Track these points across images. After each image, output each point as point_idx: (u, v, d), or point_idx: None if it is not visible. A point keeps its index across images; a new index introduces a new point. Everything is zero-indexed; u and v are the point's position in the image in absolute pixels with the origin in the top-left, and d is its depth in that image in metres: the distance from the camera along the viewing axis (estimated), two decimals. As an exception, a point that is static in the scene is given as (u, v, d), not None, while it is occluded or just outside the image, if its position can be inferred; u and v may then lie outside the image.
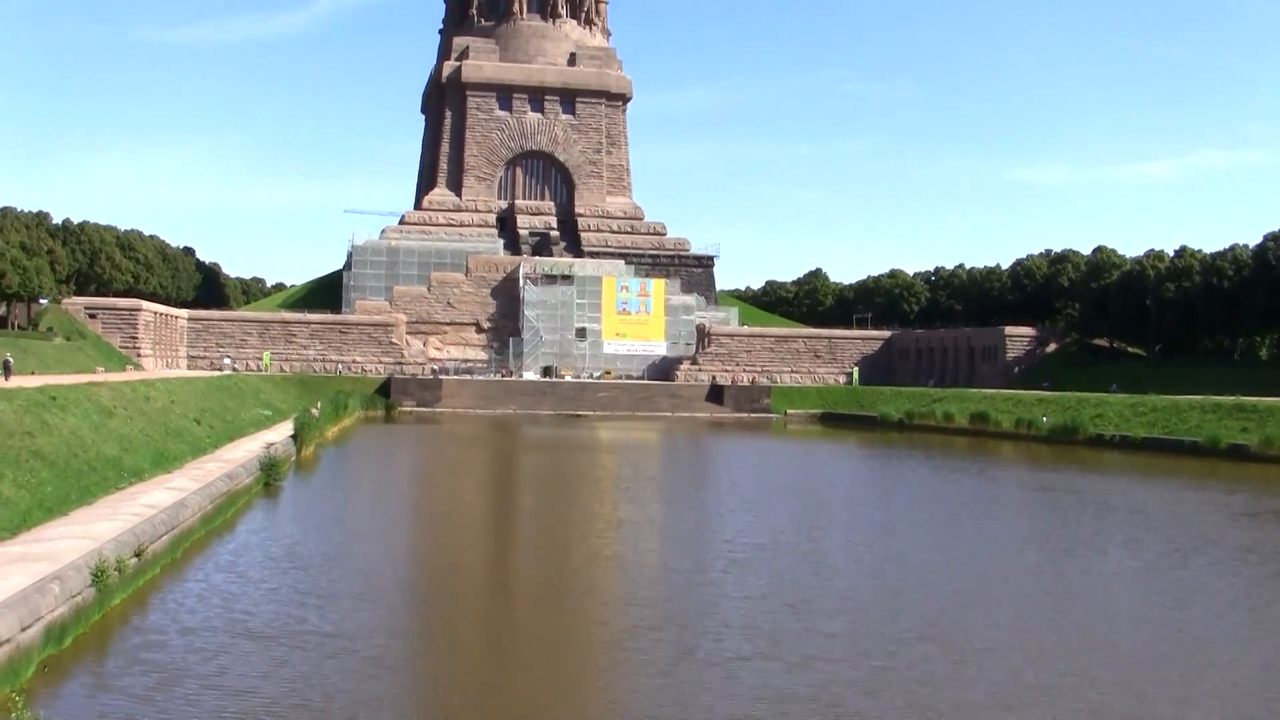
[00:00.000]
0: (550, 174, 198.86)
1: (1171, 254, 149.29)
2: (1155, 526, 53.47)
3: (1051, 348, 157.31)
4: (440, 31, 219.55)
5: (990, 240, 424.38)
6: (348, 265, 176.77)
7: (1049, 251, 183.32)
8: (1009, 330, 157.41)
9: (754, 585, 37.72)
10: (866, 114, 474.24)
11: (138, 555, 35.56)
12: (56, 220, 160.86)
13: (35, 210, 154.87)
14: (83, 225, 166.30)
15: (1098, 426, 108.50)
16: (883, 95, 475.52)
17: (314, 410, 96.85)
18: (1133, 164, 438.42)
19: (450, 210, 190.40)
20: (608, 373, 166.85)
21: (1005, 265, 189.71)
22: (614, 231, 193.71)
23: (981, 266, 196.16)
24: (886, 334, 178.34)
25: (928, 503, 62.71)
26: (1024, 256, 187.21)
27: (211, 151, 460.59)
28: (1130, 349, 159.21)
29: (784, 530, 50.62)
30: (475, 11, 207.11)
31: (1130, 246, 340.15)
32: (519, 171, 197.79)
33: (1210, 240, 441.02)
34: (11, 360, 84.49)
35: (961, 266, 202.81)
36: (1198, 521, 55.48)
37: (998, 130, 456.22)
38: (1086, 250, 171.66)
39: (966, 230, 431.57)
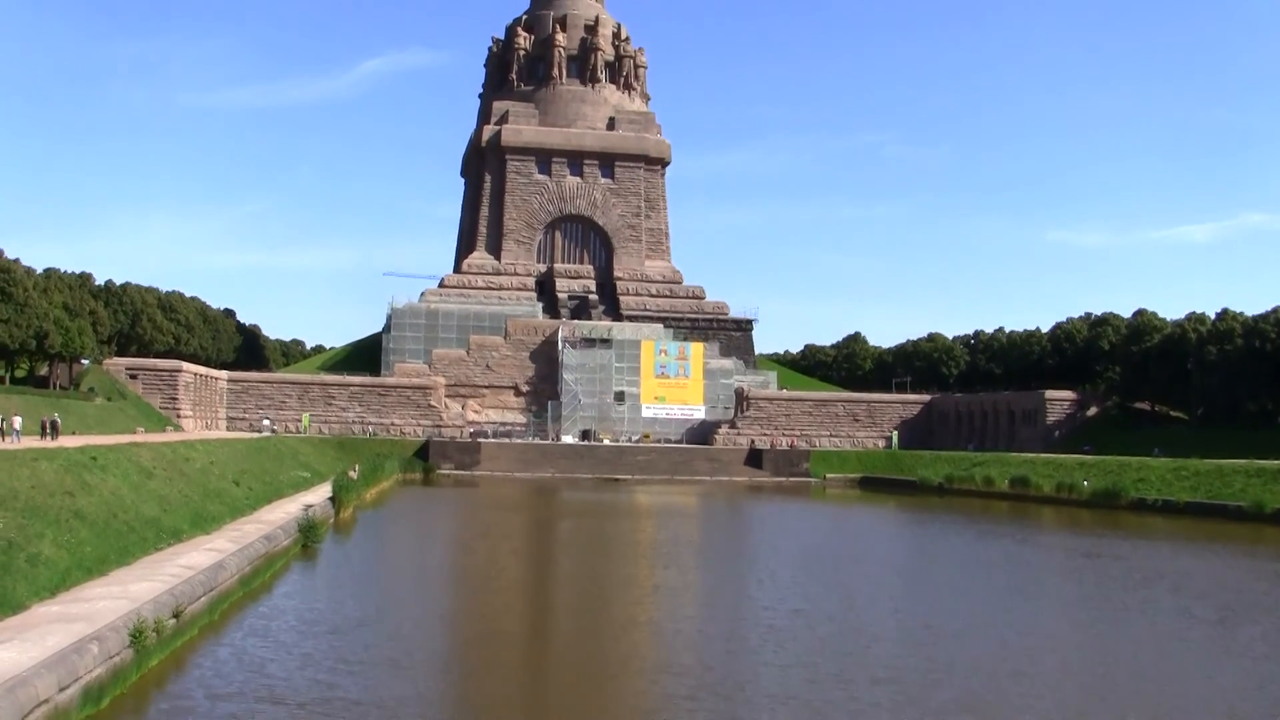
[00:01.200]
0: (589, 238, 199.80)
1: (1213, 316, 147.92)
2: (1204, 594, 52.56)
3: (1092, 411, 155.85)
4: (480, 96, 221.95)
5: (1030, 303, 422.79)
6: (387, 328, 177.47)
7: (1089, 314, 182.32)
8: (1049, 394, 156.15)
9: (793, 653, 37.25)
10: (906, 177, 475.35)
11: (176, 616, 35.56)
12: (99, 281, 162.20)
13: (78, 271, 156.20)
14: (125, 287, 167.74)
15: (1140, 491, 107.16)
16: (922, 158, 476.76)
17: (352, 472, 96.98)
18: (1173, 226, 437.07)
19: (489, 274, 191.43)
20: (646, 436, 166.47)
21: (1045, 328, 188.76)
22: (653, 295, 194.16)
23: (1021, 330, 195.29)
24: (926, 398, 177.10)
25: (970, 569, 61.96)
26: (1064, 319, 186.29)
27: (254, 214, 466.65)
28: (1172, 412, 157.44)
29: (823, 597, 50.08)
30: (515, 76, 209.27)
31: (1171, 309, 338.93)
32: (558, 235, 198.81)
33: (1252, 302, 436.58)
34: (59, 420, 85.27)
35: (1001, 330, 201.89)
36: (1247, 588, 54.54)
37: (1037, 193, 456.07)
38: (1127, 313, 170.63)
39: (1006, 293, 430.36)
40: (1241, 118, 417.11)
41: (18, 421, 76.07)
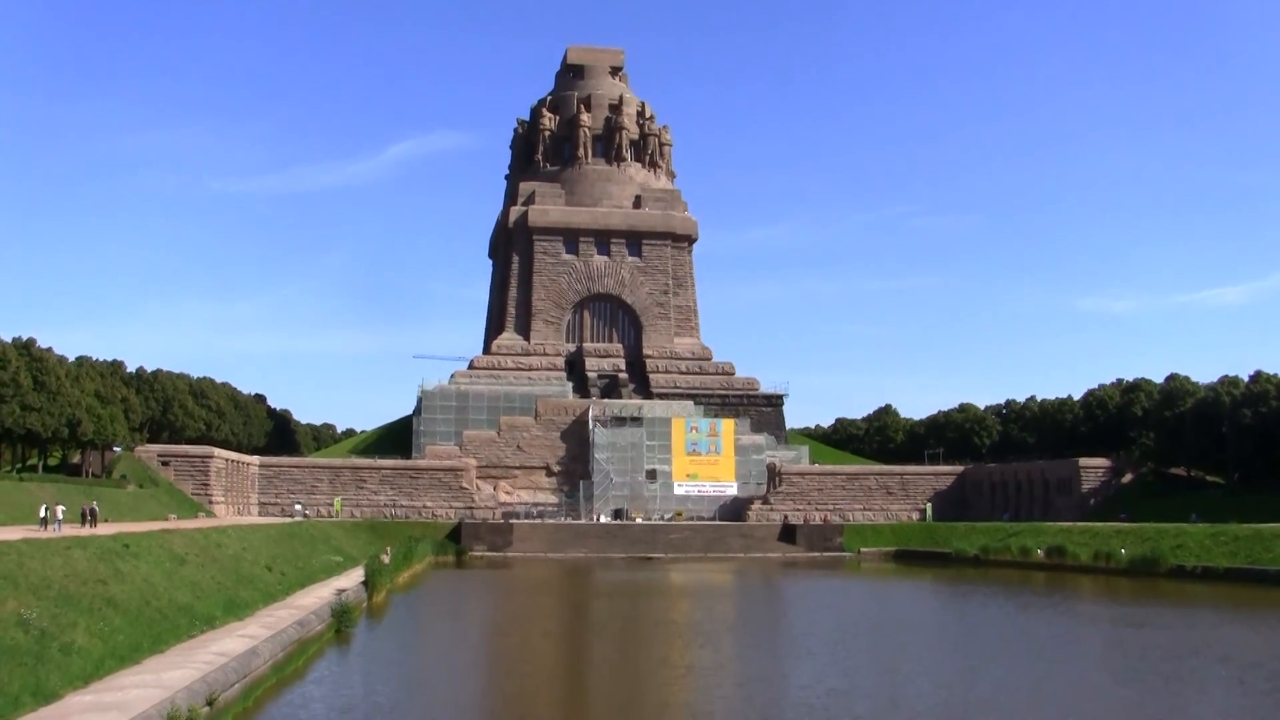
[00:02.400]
0: (618, 316, 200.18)
1: (1247, 379, 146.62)
2: (1255, 663, 51.53)
3: (1127, 478, 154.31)
4: (506, 177, 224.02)
5: (1061, 371, 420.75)
6: (417, 410, 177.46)
7: (1121, 381, 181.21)
8: (1083, 462, 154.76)
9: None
10: (935, 247, 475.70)
11: (209, 704, 35.33)
12: (131, 369, 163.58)
13: (110, 359, 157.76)
14: (156, 373, 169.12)
15: (1179, 557, 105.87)
16: (950, 228, 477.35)
17: (385, 556, 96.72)
18: (1204, 289, 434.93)
19: (518, 354, 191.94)
20: (679, 514, 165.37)
21: (1077, 396, 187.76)
22: (682, 373, 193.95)
23: (1053, 398, 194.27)
24: (959, 469, 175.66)
25: (1012, 641, 61.04)
26: (1096, 386, 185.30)
27: (284, 299, 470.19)
28: (1208, 477, 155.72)
29: (861, 674, 49.37)
30: (540, 157, 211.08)
31: (1204, 373, 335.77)
32: (586, 314, 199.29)
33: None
34: (98, 507, 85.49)
35: (1033, 398, 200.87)
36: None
37: (1067, 260, 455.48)
38: (1159, 378, 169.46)
39: (1037, 362, 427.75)
40: (1270, 178, 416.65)
41: (60, 510, 76.18)
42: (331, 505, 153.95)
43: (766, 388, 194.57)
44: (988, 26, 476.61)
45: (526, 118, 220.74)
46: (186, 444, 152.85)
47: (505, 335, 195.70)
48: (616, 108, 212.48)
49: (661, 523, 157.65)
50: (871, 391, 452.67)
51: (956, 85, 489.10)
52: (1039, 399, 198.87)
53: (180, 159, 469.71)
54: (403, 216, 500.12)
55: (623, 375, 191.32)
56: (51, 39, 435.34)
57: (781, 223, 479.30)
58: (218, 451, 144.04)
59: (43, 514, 76.82)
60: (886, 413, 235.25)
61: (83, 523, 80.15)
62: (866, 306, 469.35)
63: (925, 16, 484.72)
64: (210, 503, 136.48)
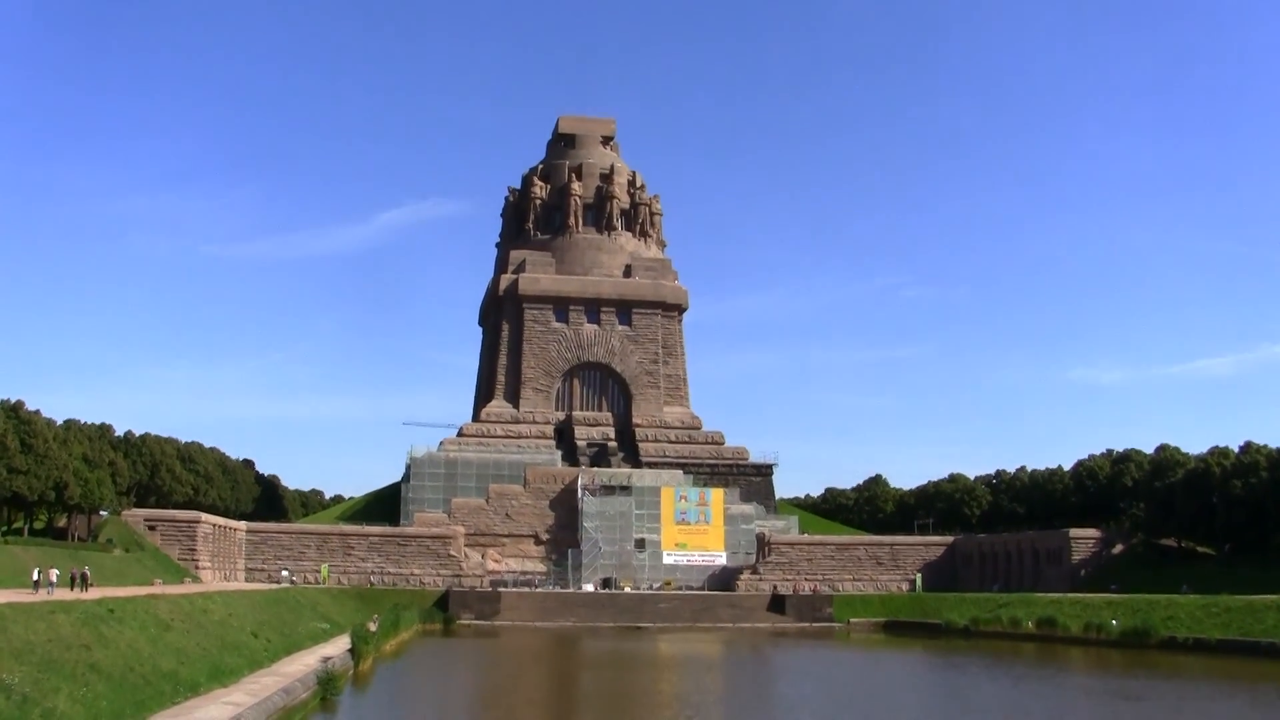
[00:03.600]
0: (607, 385, 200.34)
1: (1237, 450, 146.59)
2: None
3: (1118, 549, 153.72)
4: (497, 245, 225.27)
5: (1052, 442, 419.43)
6: (406, 477, 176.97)
7: (1111, 451, 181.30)
8: (1074, 533, 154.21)
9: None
10: (925, 318, 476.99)
11: (191, 773, 34.70)
12: (119, 432, 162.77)
13: (98, 422, 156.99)
14: (144, 437, 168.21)
15: (1170, 628, 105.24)
16: (941, 299, 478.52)
17: (371, 624, 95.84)
18: (1193, 360, 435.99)
19: (508, 422, 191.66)
20: (668, 583, 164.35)
21: (1067, 466, 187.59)
22: (672, 441, 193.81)
23: (1043, 468, 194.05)
24: (949, 540, 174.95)
25: (1004, 716, 60.32)
26: (1086, 457, 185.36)
27: (274, 365, 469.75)
28: (1199, 548, 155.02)
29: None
30: (531, 226, 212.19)
31: (1194, 444, 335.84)
32: (576, 382, 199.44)
33: (1276, 434, 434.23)
34: (89, 572, 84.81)
35: (1023, 469, 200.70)
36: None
37: (1057, 331, 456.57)
38: (1149, 449, 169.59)
39: (1027, 432, 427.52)
40: (1257, 249, 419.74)
41: (54, 574, 75.60)
42: (319, 572, 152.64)
43: (756, 457, 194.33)
44: (978, 99, 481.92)
45: (518, 186, 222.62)
46: (174, 509, 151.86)
47: (495, 403, 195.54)
48: (608, 177, 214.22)
49: (650, 592, 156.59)
50: (861, 461, 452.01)
51: (947, 157, 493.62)
52: (1029, 469, 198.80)
53: (173, 223, 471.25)
54: (393, 283, 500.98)
55: (612, 444, 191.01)
56: (44, 101, 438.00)
57: (772, 291, 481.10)
58: (205, 517, 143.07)
59: (35, 577, 76.20)
60: (876, 483, 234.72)
61: (73, 587, 79.52)
62: (857, 376, 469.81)
63: (915, 87, 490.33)
64: (197, 568, 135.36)
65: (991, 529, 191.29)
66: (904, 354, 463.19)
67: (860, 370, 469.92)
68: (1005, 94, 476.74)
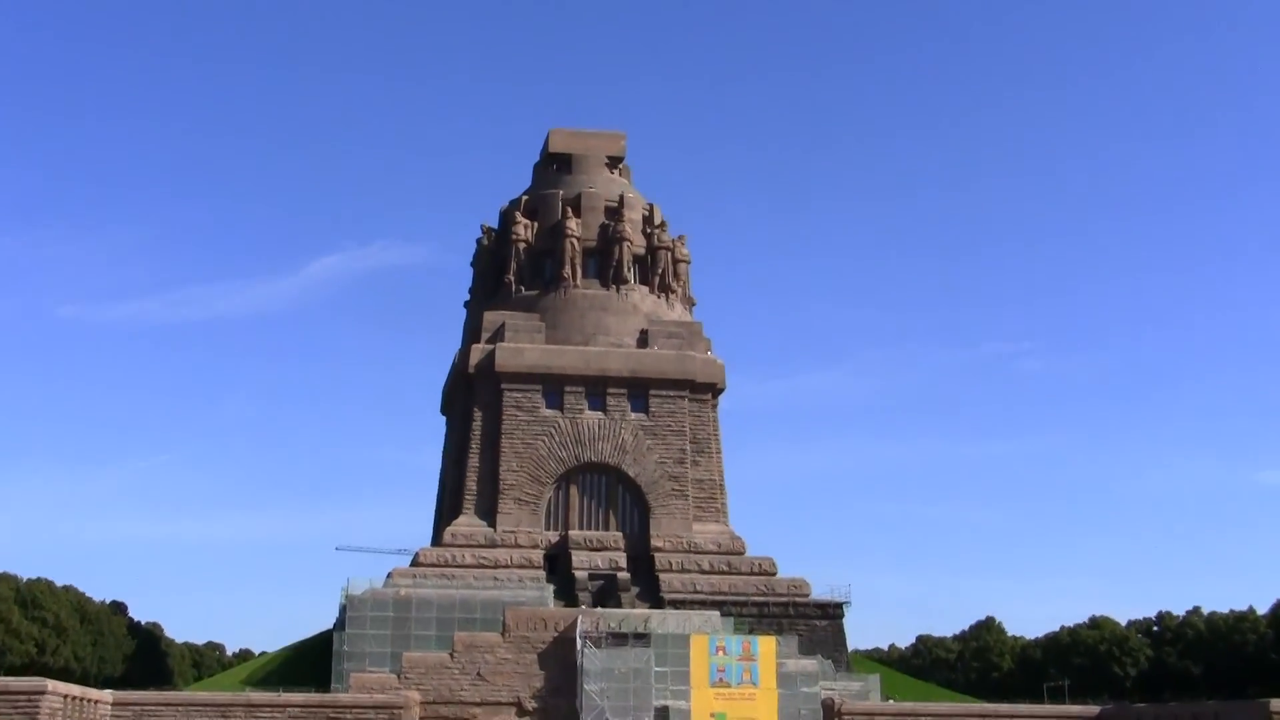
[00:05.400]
0: (616, 494, 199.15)
1: None
2: None
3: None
4: (467, 304, 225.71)
5: (1238, 574, 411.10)
6: (340, 624, 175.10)
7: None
8: (1275, 704, 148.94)
9: None
10: (1051, 398, 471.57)
11: None
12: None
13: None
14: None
15: None
16: (1069, 373, 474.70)
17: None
18: None
19: (481, 546, 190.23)
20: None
21: (1263, 609, 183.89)
22: (704, 571, 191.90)
23: (1227, 611, 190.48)
24: (1094, 710, 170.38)
25: None
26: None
27: (156, 470, 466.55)
28: None
29: None
30: (513, 278, 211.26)
31: None
32: (574, 491, 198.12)
33: None
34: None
35: (1197, 611, 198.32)
36: None
37: (1238, 418, 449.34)
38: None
39: (1203, 560, 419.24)
40: None
41: None
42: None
43: (820, 593, 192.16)
44: (1124, 118, 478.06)
45: (494, 225, 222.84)
46: (8, 675, 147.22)
47: (463, 520, 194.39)
48: (615, 211, 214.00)
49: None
50: (966, 599, 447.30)
51: (1074, 184, 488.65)
52: (1206, 612, 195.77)
53: (20, 276, 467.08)
54: (324, 356, 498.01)
55: (623, 575, 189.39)
56: None
57: (838, 366, 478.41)
58: (52, 685, 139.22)
59: None
60: (987, 629, 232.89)
61: None
62: (957, 481, 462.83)
63: (1017, 99, 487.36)
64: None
65: (1155, 696, 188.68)
66: (1022, 449, 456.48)
67: (962, 472, 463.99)
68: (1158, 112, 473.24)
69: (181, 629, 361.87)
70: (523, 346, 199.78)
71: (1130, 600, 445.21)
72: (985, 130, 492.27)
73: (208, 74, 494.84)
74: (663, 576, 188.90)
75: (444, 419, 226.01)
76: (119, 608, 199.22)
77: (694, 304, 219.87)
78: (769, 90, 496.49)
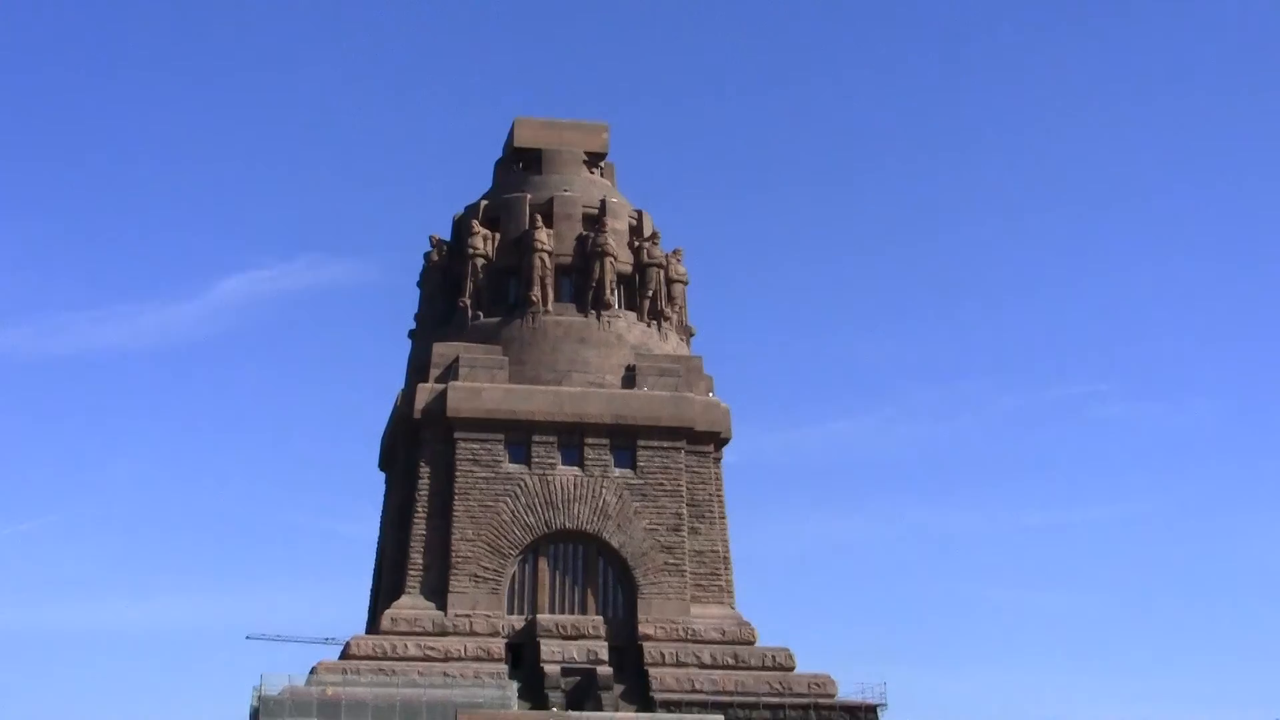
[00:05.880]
0: (596, 569, 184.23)
1: None
2: None
3: None
4: (412, 334, 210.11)
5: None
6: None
7: None
8: None
9: None
10: (1137, 453, 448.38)
11: None
12: None
13: None
14: None
15: None
16: (1163, 420, 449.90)
17: None
18: None
19: (428, 633, 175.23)
20: None
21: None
22: (704, 665, 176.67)
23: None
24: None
25: None
26: None
27: (19, 540, 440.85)
28: None
29: None
30: (469, 302, 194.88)
31: None
32: (544, 565, 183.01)
33: None
34: None
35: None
36: None
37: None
38: None
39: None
40: None
41: None
42: None
43: (848, 693, 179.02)
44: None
45: (446, 237, 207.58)
46: None
47: (405, 601, 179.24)
48: (596, 220, 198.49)
49: None
50: (1029, 701, 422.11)
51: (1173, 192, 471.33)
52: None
53: None
54: (233, 398, 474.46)
55: (604, 669, 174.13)
56: None
57: (873, 411, 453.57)
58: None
59: None
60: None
61: None
62: (1019, 555, 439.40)
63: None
64: None
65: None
66: (1101, 516, 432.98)
67: (1024, 544, 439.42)
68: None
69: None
70: (481, 386, 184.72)
71: (1245, 703, 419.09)
72: (1056, 129, 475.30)
73: (78, 60, 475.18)
74: (653, 671, 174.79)
75: (383, 476, 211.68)
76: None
77: (692, 334, 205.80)
78: (783, 72, 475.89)
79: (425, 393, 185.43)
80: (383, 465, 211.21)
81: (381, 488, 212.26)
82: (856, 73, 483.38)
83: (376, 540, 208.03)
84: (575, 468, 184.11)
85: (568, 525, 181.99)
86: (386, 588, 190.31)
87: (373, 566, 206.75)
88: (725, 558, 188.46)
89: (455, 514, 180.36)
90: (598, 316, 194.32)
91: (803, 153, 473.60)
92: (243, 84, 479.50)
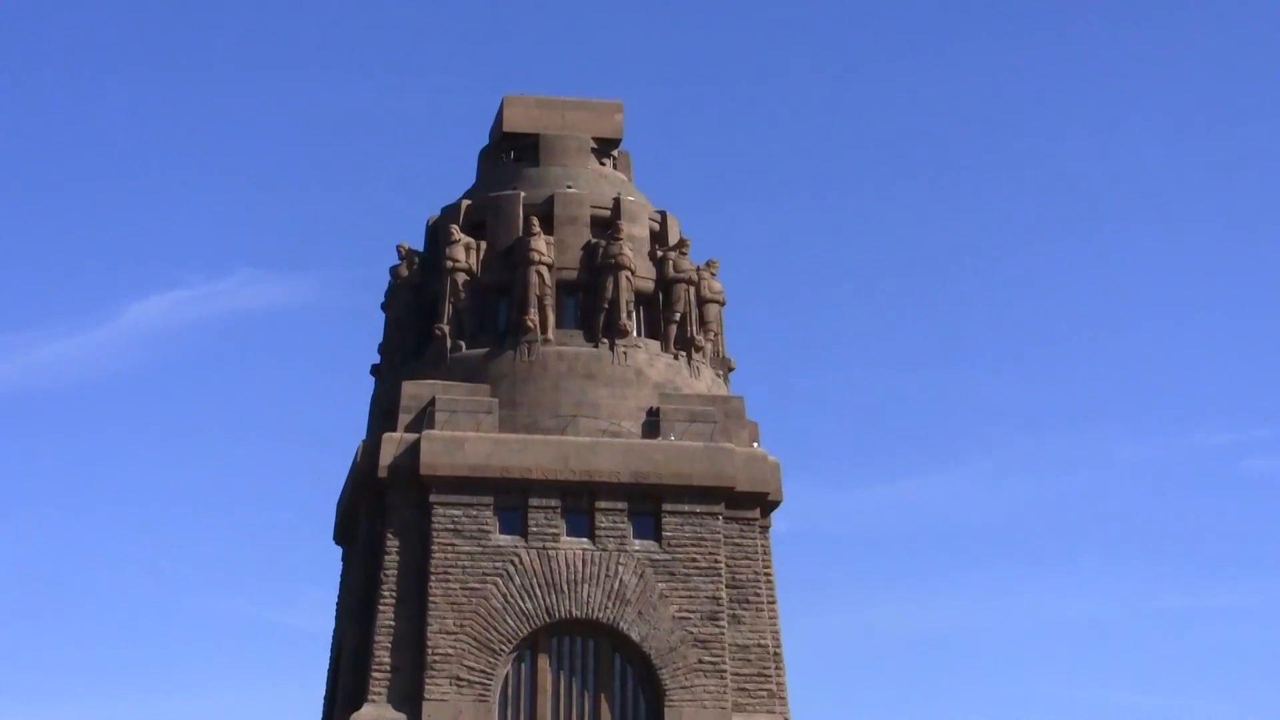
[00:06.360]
0: (611, 669, 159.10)
1: None
2: None
3: None
4: (375, 370, 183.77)
5: None
6: None
7: None
8: None
9: None
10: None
11: None
12: None
13: None
14: None
15: None
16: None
17: None
18: None
19: None
20: None
21: None
22: None
23: None
24: None
25: None
26: None
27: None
28: None
29: None
30: (447, 328, 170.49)
31: None
32: (544, 665, 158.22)
33: None
34: None
35: None
36: None
37: None
38: None
39: None
40: None
41: None
42: None
43: None
44: None
45: (418, 246, 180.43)
46: None
47: (369, 711, 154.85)
48: (608, 223, 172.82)
49: None
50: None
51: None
52: None
53: None
54: (146, 451, 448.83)
55: None
56: None
57: (966, 464, 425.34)
58: None
59: None
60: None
61: None
62: (1165, 644, 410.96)
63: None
64: None
65: None
66: (1263, 601, 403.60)
67: (1166, 634, 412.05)
68: None
69: None
70: (463, 436, 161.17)
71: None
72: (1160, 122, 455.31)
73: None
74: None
75: (339, 551, 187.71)
76: None
77: (732, 368, 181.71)
78: (841, 38, 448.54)
79: (392, 444, 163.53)
80: (338, 538, 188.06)
81: (338, 566, 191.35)
82: (942, 44, 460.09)
83: (332, 634, 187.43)
84: (584, 539, 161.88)
85: (575, 613, 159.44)
86: (345, 694, 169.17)
87: (327, 668, 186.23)
88: (776, 654, 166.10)
89: (432, 599, 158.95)
90: (611, 346, 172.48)
91: (870, 138, 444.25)
92: (153, 55, 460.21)
